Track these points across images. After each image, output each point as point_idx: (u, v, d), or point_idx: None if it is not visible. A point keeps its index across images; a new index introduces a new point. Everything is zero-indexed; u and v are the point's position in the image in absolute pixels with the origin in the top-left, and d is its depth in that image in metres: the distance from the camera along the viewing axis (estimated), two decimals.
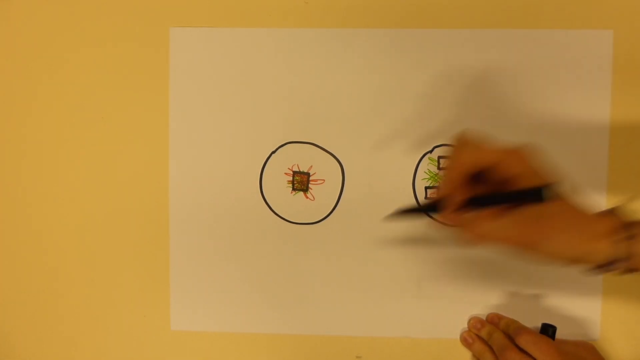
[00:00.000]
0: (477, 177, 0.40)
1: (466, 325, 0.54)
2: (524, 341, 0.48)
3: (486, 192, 0.40)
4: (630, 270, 0.38)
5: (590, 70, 0.53)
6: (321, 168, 0.54)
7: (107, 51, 0.55)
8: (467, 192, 0.39)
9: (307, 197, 0.54)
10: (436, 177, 0.54)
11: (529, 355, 0.47)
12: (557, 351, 0.47)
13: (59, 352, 0.56)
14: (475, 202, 0.40)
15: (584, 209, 0.38)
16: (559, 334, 0.51)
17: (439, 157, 0.54)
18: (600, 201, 0.53)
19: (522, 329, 0.49)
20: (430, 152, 0.54)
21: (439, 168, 0.54)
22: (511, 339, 0.49)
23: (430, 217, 0.50)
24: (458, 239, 0.40)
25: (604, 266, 0.38)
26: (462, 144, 0.40)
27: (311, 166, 0.54)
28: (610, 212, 0.39)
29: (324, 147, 0.54)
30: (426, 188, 0.54)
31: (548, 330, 0.51)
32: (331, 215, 0.54)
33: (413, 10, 0.53)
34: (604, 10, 0.52)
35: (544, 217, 0.37)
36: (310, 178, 0.54)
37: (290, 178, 0.54)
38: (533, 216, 0.38)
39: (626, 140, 0.53)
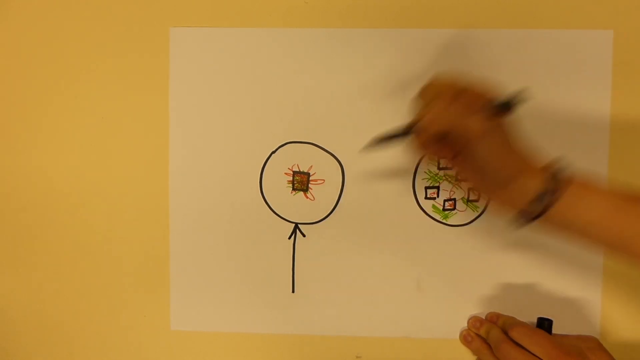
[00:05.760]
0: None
1: (466, 325, 0.54)
2: (517, 333, 0.47)
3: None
4: (544, 211, 0.41)
5: (590, 70, 0.53)
6: (321, 168, 0.54)
7: (107, 51, 0.55)
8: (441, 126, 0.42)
9: (307, 197, 0.55)
10: (436, 177, 0.54)
11: (524, 348, 0.46)
12: (550, 342, 0.46)
13: (59, 352, 0.56)
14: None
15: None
16: (559, 332, 0.51)
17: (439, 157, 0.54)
18: None
19: (516, 322, 0.49)
20: None
21: (439, 168, 0.54)
22: (507, 334, 0.49)
23: (402, 141, 0.47)
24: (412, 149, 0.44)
25: (533, 202, 0.41)
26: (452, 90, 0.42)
27: (311, 166, 0.54)
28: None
29: (324, 147, 0.54)
30: (426, 188, 0.54)
31: (544, 324, 0.50)
32: (331, 215, 0.54)
33: (413, 10, 0.53)
34: (604, 10, 0.52)
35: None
36: (310, 178, 0.54)
37: (290, 178, 0.54)
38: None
39: (626, 140, 0.53)
